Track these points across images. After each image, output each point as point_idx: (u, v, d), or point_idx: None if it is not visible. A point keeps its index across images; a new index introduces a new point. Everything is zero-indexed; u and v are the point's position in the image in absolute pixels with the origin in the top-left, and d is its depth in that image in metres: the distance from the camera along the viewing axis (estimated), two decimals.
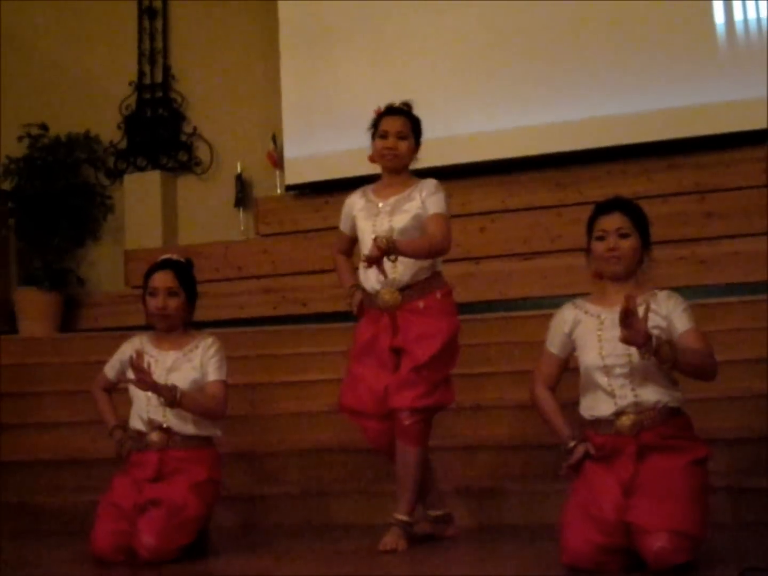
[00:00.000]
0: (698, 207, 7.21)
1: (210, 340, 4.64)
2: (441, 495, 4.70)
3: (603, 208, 4.04)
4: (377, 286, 4.44)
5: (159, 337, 4.66)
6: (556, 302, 7.06)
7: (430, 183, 4.52)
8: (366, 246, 4.45)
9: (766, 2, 7.47)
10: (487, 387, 6.02)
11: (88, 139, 9.07)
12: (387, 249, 4.15)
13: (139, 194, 9.05)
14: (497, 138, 8.02)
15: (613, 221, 3.96)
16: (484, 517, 5.01)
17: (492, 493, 5.08)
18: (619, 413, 3.84)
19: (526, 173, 8.00)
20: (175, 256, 4.79)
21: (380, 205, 4.54)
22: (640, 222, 4.00)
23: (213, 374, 4.54)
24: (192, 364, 4.55)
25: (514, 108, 8.02)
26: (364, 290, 4.55)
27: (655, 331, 3.63)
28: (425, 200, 4.45)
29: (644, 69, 7.69)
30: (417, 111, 4.67)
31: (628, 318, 3.55)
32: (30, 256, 8.77)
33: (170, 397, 4.32)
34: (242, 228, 8.84)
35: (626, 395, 3.83)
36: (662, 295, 3.95)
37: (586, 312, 4.02)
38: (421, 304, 4.43)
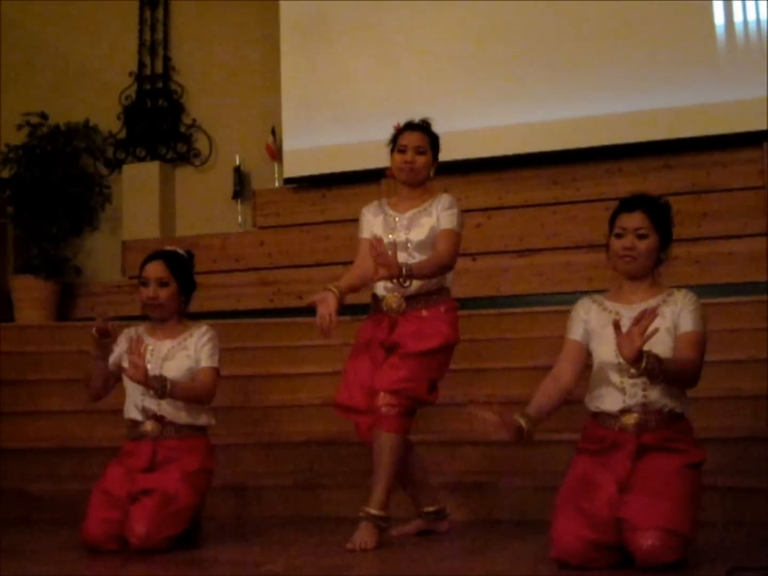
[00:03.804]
0: (694, 207, 7.23)
1: (204, 328, 4.68)
2: (434, 491, 4.72)
3: (626, 204, 4.01)
4: (384, 292, 4.54)
5: (154, 327, 4.69)
6: (550, 299, 7.19)
7: (446, 198, 4.61)
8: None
9: (766, 3, 7.47)
10: (480, 382, 6.04)
11: (87, 129, 9.07)
12: (406, 276, 4.24)
13: (138, 184, 9.05)
14: (495, 134, 8.02)
15: (632, 220, 3.94)
16: (474, 512, 5.04)
17: (483, 488, 5.11)
18: (625, 410, 3.85)
19: (524, 170, 8.01)
20: (173, 248, 4.82)
21: (397, 219, 4.60)
22: (661, 222, 3.97)
23: (205, 361, 4.58)
24: (187, 352, 4.58)
25: (512, 105, 8.02)
26: (373, 295, 4.64)
27: (654, 349, 3.64)
28: (440, 215, 4.54)
29: (643, 68, 7.69)
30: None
31: (636, 325, 3.56)
32: (27, 244, 8.78)
33: (160, 388, 4.35)
34: (240, 220, 8.85)
35: (636, 394, 3.84)
36: (679, 294, 3.95)
37: (604, 309, 4.00)
38: (424, 312, 4.50)
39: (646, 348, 3.56)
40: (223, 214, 8.93)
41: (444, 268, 4.50)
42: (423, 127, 4.68)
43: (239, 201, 8.89)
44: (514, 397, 5.79)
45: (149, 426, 4.52)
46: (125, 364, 4.41)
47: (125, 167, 9.19)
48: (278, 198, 8.70)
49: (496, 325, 6.69)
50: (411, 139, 4.61)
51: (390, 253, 4.21)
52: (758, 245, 6.96)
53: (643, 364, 3.55)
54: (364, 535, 4.29)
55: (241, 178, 8.91)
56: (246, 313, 7.92)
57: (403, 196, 4.68)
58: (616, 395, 3.88)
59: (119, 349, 4.66)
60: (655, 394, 3.82)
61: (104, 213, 9.14)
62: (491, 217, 7.85)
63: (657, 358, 3.60)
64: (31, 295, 8.40)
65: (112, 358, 4.67)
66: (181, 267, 4.68)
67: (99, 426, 6.03)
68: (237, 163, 8.90)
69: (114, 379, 4.63)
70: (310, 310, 7.62)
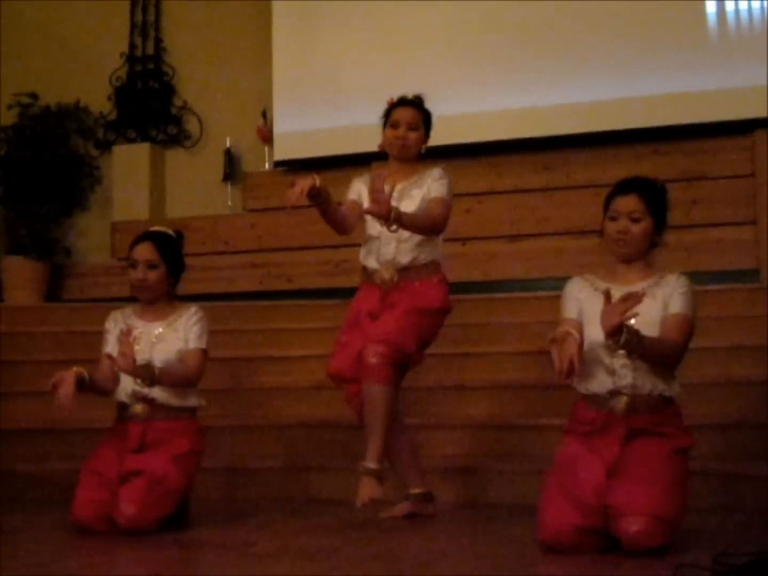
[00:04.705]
0: (684, 194, 7.22)
1: (193, 309, 4.66)
2: (422, 473, 4.73)
3: (621, 187, 3.99)
4: (376, 265, 4.60)
5: (143, 309, 4.67)
6: (540, 285, 7.20)
7: (437, 170, 4.68)
8: (374, 228, 4.61)
9: None
10: (470, 367, 6.07)
11: (78, 110, 9.03)
12: (393, 219, 4.26)
13: (128, 166, 9.02)
14: (486, 119, 8.02)
15: (627, 203, 3.92)
16: (463, 495, 5.06)
17: (472, 472, 5.13)
18: (615, 392, 3.85)
19: (515, 155, 8.01)
20: (162, 229, 4.81)
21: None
22: (656, 206, 3.95)
23: (193, 342, 4.57)
24: (177, 334, 4.57)
25: (504, 90, 8.02)
26: (364, 268, 4.69)
27: (644, 330, 3.65)
28: (431, 185, 4.61)
29: (634, 55, 7.69)
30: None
31: (622, 303, 3.57)
32: (17, 225, 8.75)
33: (148, 376, 4.35)
34: (230, 202, 8.84)
35: (626, 375, 3.83)
36: (672, 277, 3.94)
37: (596, 288, 3.94)
38: (416, 284, 4.57)
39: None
40: (213, 197, 8.91)
41: (433, 227, 4.56)
42: (416, 104, 4.73)
43: (229, 183, 8.87)
44: (504, 381, 5.85)
45: (139, 408, 4.51)
46: (115, 354, 4.40)
47: (116, 149, 9.16)
48: (269, 181, 8.69)
49: (485, 309, 6.71)
50: (404, 115, 4.67)
51: (387, 193, 4.26)
52: (747, 233, 6.99)
53: (622, 338, 3.57)
54: (368, 489, 4.32)
55: (231, 161, 8.89)
56: (235, 296, 7.92)
57: (393, 171, 4.71)
58: (606, 376, 3.87)
59: (111, 337, 4.65)
60: (644, 376, 3.82)
61: (94, 194, 9.10)
62: (482, 202, 7.85)
63: (637, 335, 3.61)
64: (20, 276, 8.39)
65: (107, 349, 4.65)
66: (170, 249, 4.66)
67: (88, 407, 6.01)
68: (228, 145, 8.88)
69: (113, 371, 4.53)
70: (300, 293, 7.70)
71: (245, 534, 4.37)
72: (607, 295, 3.62)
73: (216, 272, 8.19)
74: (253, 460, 5.55)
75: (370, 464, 4.36)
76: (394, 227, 4.33)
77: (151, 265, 4.58)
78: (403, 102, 4.73)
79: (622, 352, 3.75)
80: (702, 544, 3.82)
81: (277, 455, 5.59)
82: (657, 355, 3.77)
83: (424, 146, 4.73)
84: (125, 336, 4.32)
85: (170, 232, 4.77)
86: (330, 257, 7.64)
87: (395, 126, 4.66)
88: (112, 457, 4.47)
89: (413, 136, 4.66)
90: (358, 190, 4.74)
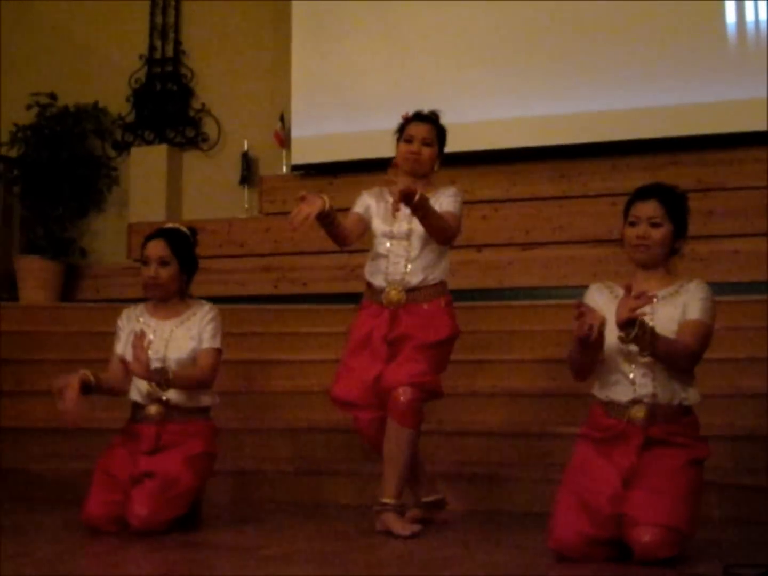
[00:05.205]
0: (700, 204, 7.13)
1: (207, 307, 4.65)
2: (432, 480, 4.73)
3: (641, 193, 3.98)
4: (383, 284, 4.53)
5: (156, 307, 4.67)
6: (554, 293, 7.18)
7: (451, 188, 4.63)
8: (382, 245, 4.57)
9: None
10: (483, 374, 6.05)
11: (96, 111, 9.06)
12: (416, 204, 4.19)
13: (145, 167, 9.05)
14: (503, 127, 8.03)
15: (646, 209, 3.91)
16: (474, 502, 5.05)
17: (483, 479, 5.13)
18: (635, 401, 3.84)
19: (531, 163, 8.01)
20: (175, 225, 4.80)
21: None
22: (676, 212, 3.94)
23: (207, 342, 4.57)
24: (190, 333, 4.57)
25: (520, 98, 8.02)
26: (369, 285, 4.62)
27: (647, 319, 3.65)
28: (443, 201, 4.51)
29: (653, 65, 7.69)
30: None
31: (635, 299, 3.56)
32: (33, 224, 8.78)
33: (163, 380, 4.34)
34: (246, 206, 8.86)
35: (646, 384, 3.82)
36: (692, 284, 3.92)
37: (616, 296, 3.89)
38: (425, 306, 4.51)
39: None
40: (229, 200, 8.93)
41: (447, 231, 4.46)
42: (431, 119, 4.66)
43: (246, 186, 8.89)
44: (517, 389, 5.84)
45: (153, 409, 4.51)
46: (127, 354, 4.41)
47: (133, 150, 9.19)
48: (285, 184, 8.70)
49: (499, 317, 6.69)
50: (418, 130, 4.60)
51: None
52: (763, 244, 6.95)
53: (633, 332, 3.56)
54: (396, 523, 4.30)
55: (248, 164, 8.91)
56: (250, 299, 7.91)
57: None
58: (626, 385, 3.86)
59: (122, 334, 4.66)
60: (665, 386, 3.81)
61: (111, 195, 9.14)
62: (497, 210, 7.84)
63: (652, 332, 3.61)
64: (35, 275, 8.40)
65: (118, 346, 4.66)
66: (182, 245, 4.65)
67: (100, 407, 6.03)
68: (245, 148, 8.91)
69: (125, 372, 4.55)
70: (314, 298, 7.69)
71: (255, 537, 4.37)
72: (628, 288, 3.61)
73: (231, 275, 8.18)
74: (263, 463, 5.55)
75: (390, 500, 4.34)
76: (407, 211, 4.29)
77: (163, 262, 4.57)
78: (418, 117, 4.66)
79: (634, 347, 3.73)
80: (711, 556, 3.82)
81: (288, 459, 5.60)
82: (668, 355, 3.74)
83: (437, 163, 4.66)
84: (139, 340, 4.31)
85: (183, 228, 4.75)
86: (345, 262, 7.62)
87: (409, 141, 4.59)
88: (125, 457, 4.47)
89: (427, 151, 4.58)
90: (366, 204, 4.66)
